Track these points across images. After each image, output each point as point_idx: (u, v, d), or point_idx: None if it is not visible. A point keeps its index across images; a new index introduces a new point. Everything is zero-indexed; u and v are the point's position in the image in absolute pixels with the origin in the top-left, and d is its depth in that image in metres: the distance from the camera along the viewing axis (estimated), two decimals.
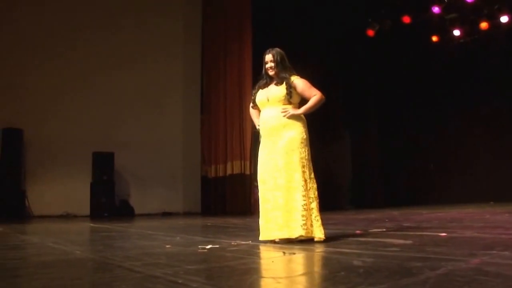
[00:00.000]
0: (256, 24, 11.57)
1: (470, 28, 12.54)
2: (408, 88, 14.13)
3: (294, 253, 3.19)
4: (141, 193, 12.04)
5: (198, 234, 5.11)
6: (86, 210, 11.21)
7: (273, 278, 2.30)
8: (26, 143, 11.25)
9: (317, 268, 2.49)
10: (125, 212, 11.33)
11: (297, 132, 3.99)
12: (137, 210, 11.66)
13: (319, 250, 3.32)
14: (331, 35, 12.95)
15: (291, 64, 4.23)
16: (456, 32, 12.80)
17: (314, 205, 3.90)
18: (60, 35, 11.97)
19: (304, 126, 4.05)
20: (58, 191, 11.33)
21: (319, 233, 3.81)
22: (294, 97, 4.10)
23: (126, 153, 11.75)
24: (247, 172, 11.17)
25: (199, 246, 3.74)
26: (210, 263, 2.97)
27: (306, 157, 3.95)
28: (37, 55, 11.70)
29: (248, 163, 11.17)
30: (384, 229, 5.02)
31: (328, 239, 4.00)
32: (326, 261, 2.78)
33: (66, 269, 2.86)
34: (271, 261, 2.98)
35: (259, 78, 4.32)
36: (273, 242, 3.86)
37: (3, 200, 10.48)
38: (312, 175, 3.97)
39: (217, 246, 3.75)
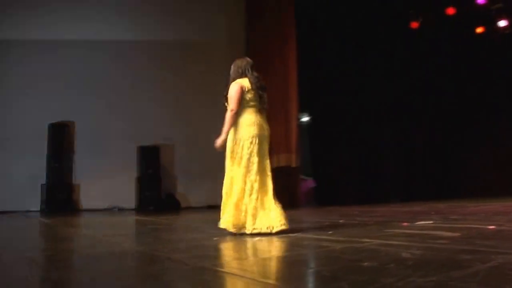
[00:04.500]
0: (299, 19, 11.50)
1: None
2: (452, 79, 13.73)
3: (342, 246, 3.14)
4: (186, 187, 12.15)
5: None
6: (133, 204, 11.42)
7: (321, 269, 2.27)
8: (73, 137, 11.53)
9: (366, 260, 2.44)
10: (170, 206, 11.45)
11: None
12: (182, 204, 11.78)
13: (366, 242, 3.27)
14: (373, 29, 12.71)
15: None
16: (502, 23, 12.35)
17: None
18: (106, 29, 12.18)
19: (234, 134, 4.39)
20: (105, 185, 11.54)
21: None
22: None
23: (171, 147, 11.88)
24: (293, 165, 11.12)
25: (247, 238, 3.74)
26: (259, 254, 2.97)
27: None
28: (80, 50, 11.94)
29: (294, 156, 11.10)
30: (431, 222, 4.93)
31: (374, 232, 3.96)
32: (375, 253, 2.75)
33: (116, 261, 2.91)
34: (319, 253, 2.94)
35: None
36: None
37: (52, 193, 10.78)
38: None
39: (265, 238, 3.74)
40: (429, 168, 13.38)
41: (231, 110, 4.34)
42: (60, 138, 11.10)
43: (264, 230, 3.95)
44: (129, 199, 11.37)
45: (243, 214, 4.07)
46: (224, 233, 4.15)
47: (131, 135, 11.65)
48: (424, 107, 13.57)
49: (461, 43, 13.14)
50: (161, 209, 10.82)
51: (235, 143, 4.33)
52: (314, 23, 12.12)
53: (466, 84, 13.51)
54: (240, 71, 4.54)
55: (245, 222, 4.04)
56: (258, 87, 4.48)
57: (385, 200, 11.73)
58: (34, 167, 10.85)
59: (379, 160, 12.82)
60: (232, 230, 4.03)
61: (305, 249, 3.30)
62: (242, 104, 4.38)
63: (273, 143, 11.73)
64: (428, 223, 4.75)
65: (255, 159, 4.26)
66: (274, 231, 3.95)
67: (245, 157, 4.25)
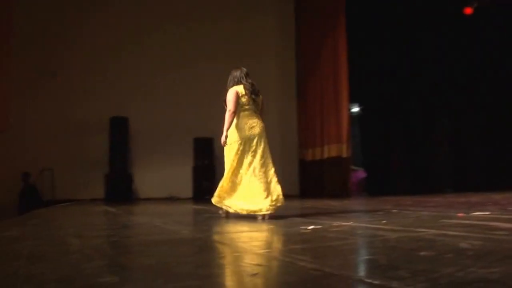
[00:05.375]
0: (350, 8, 11.36)
1: None
2: (508, 66, 13.07)
3: (397, 235, 3.14)
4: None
5: (298, 215, 5.16)
6: (189, 193, 11.67)
7: (377, 258, 2.29)
8: (132, 130, 11.89)
9: (423, 249, 2.44)
10: None
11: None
12: None
13: (422, 231, 3.25)
14: (425, 15, 12.35)
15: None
16: None
17: None
18: (161, 28, 12.52)
19: (230, 135, 5.04)
20: (162, 175, 11.87)
21: None
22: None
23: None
24: (345, 155, 11.06)
25: (301, 227, 3.78)
26: (314, 243, 3.00)
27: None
28: (138, 48, 12.31)
29: (345, 146, 11.05)
30: (488, 213, 4.79)
31: (429, 221, 3.92)
32: (431, 243, 2.73)
33: (176, 247, 3.01)
34: (374, 242, 2.96)
35: None
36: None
37: (113, 183, 11.19)
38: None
39: (319, 226, 3.78)
40: (483, 157, 12.91)
41: (229, 111, 5.01)
42: (121, 131, 11.49)
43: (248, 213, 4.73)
44: (185, 188, 11.66)
45: (232, 197, 4.92)
46: (277, 222, 4.26)
47: (187, 127, 11.92)
48: (477, 95, 13.03)
49: None
50: None
51: (230, 144, 5.00)
52: (364, 9, 11.93)
53: None
54: (236, 79, 5.17)
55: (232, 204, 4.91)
56: (251, 92, 5.06)
57: (439, 191, 11.48)
58: (97, 158, 11.32)
59: (431, 150, 12.55)
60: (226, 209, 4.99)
61: (360, 237, 3.31)
62: (237, 108, 5.03)
63: (324, 133, 11.77)
64: (485, 214, 4.63)
65: (245, 156, 4.92)
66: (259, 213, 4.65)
67: (237, 155, 4.92)
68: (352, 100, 12.14)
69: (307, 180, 12.68)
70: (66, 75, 11.86)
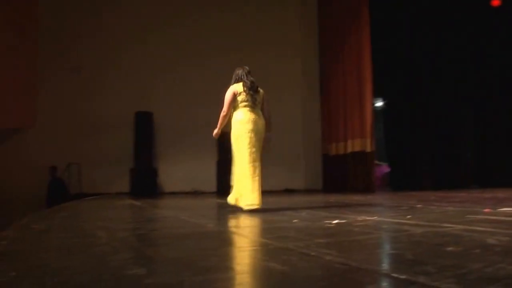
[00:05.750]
0: (374, 2, 11.24)
1: None
2: None
3: (422, 230, 3.12)
4: (263, 171, 12.32)
5: (322, 210, 5.15)
6: (213, 187, 11.73)
7: (403, 252, 2.28)
8: (156, 125, 12.00)
9: (449, 245, 2.41)
10: None
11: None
12: None
13: (448, 226, 3.21)
14: (450, 7, 12.11)
15: None
16: None
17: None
18: (186, 24, 12.62)
19: (232, 129, 5.35)
20: (186, 169, 11.98)
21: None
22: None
23: None
24: (368, 149, 10.99)
25: (326, 221, 3.78)
26: (339, 237, 3.00)
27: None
28: (162, 43, 12.40)
29: (368, 140, 10.97)
30: None
31: (455, 217, 3.86)
32: (458, 238, 2.69)
33: (201, 241, 3.04)
34: (399, 237, 2.94)
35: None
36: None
37: (138, 177, 11.32)
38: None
39: (344, 221, 3.78)
40: (509, 153, 12.63)
41: (223, 111, 5.38)
42: (145, 126, 11.63)
43: (254, 207, 4.96)
44: (209, 183, 11.73)
45: (240, 193, 5.14)
46: (301, 216, 4.25)
47: (210, 121, 11.97)
48: (503, 90, 12.73)
49: None
50: None
51: (236, 138, 5.24)
52: (387, 3, 11.80)
53: None
54: (237, 77, 5.44)
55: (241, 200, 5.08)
56: (249, 88, 5.27)
57: (463, 186, 11.33)
58: (123, 153, 11.47)
59: (456, 145, 12.34)
60: (235, 204, 5.20)
61: (385, 232, 3.29)
62: (237, 105, 5.32)
63: (347, 128, 11.69)
64: None
65: (252, 149, 5.16)
66: (255, 208, 4.96)
67: (244, 147, 5.14)
68: (376, 95, 12.05)
69: (330, 174, 12.63)
70: (91, 71, 12.03)
